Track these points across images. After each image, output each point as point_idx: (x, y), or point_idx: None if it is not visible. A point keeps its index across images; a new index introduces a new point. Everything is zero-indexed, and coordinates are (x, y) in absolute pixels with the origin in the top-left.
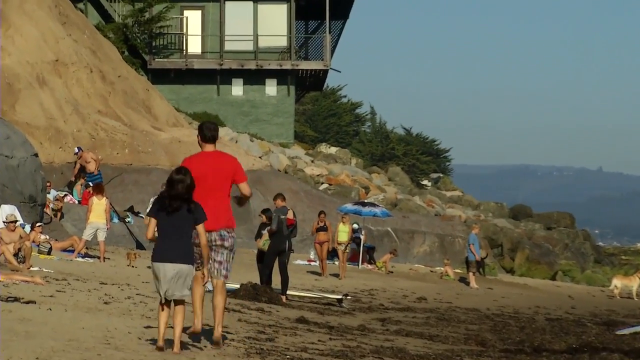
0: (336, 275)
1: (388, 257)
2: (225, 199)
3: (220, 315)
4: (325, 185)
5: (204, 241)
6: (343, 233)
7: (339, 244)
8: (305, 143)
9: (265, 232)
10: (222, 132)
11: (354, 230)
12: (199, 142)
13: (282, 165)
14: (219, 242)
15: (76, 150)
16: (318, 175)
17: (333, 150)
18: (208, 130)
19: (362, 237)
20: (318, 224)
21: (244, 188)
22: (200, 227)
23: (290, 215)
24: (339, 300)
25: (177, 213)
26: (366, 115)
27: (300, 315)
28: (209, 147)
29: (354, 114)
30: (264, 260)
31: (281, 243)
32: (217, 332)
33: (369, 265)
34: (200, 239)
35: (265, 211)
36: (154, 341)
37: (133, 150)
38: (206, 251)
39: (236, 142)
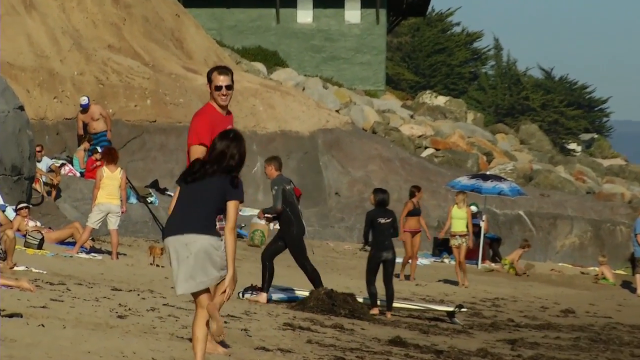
0: (452, 282)
1: (518, 253)
2: None
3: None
4: (429, 151)
5: (231, 224)
6: (459, 221)
7: (454, 235)
8: (402, 91)
9: (257, 221)
10: (284, 75)
11: (472, 215)
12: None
13: (369, 122)
14: None
15: (84, 101)
16: (420, 136)
17: (441, 100)
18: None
19: (482, 225)
20: (414, 205)
21: None
22: (231, 204)
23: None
24: (451, 314)
25: (202, 182)
26: (488, 51)
27: (395, 335)
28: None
29: (470, 49)
30: (295, 254)
31: (300, 224)
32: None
33: (492, 264)
34: (228, 220)
35: (378, 191)
36: None
37: (158, 101)
38: (232, 240)
39: (303, 89)
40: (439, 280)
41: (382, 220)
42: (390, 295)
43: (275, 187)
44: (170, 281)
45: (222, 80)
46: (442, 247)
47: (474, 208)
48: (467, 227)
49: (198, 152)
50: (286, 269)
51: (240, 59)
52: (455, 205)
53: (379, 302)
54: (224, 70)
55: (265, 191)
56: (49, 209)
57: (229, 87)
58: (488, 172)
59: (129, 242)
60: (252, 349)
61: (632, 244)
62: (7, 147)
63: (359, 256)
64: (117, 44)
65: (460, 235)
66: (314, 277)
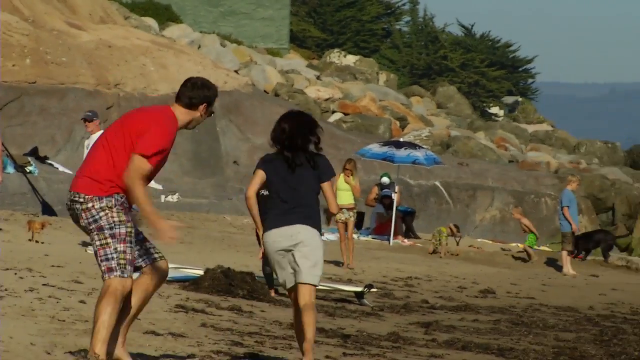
0: (337, 264)
1: (451, 230)
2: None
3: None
4: (337, 116)
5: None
6: (344, 192)
7: (340, 209)
8: (307, 49)
9: None
10: (178, 31)
11: (382, 186)
12: None
13: (271, 83)
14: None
15: None
16: (327, 99)
17: (351, 60)
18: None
19: (394, 197)
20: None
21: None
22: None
23: None
24: (359, 295)
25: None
26: (403, 5)
27: None
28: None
29: (383, 3)
30: None
31: None
32: None
33: (405, 240)
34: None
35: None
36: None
37: (38, 61)
38: None
39: (199, 47)
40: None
41: (265, 193)
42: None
43: None
44: (51, 257)
45: None
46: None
47: (385, 179)
48: (353, 199)
49: None
50: (179, 246)
51: (129, 14)
52: (342, 175)
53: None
54: None
55: None
56: None
57: None
58: (401, 139)
59: (6, 216)
60: (141, 334)
61: (558, 218)
62: None
63: None
64: None
65: (347, 209)
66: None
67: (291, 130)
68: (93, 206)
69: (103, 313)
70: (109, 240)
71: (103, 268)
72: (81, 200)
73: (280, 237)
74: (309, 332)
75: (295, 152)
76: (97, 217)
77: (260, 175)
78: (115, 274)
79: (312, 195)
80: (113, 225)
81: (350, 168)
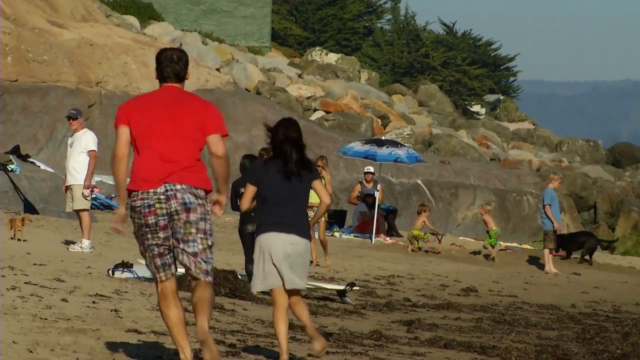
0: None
1: (423, 219)
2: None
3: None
4: (319, 114)
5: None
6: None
7: (311, 207)
8: (289, 47)
9: None
10: (159, 29)
11: (366, 172)
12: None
13: (253, 81)
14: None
15: None
16: (309, 97)
17: (332, 58)
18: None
19: (376, 195)
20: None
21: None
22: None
23: None
24: (341, 293)
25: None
26: (384, 3)
27: None
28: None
29: (365, 1)
30: None
31: None
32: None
33: (387, 239)
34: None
35: (242, 158)
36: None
37: (20, 59)
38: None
39: (180, 45)
40: None
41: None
42: None
43: None
44: (33, 255)
45: None
46: (331, 219)
47: (370, 167)
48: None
49: None
50: None
51: (110, 12)
52: None
53: None
54: None
55: None
56: None
57: None
58: (383, 137)
59: None
60: (123, 332)
61: (539, 216)
62: None
63: None
64: None
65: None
66: None
67: (287, 137)
68: (204, 204)
69: (210, 307)
70: (207, 245)
71: (204, 268)
72: (201, 194)
73: (278, 244)
74: (305, 317)
75: (291, 159)
76: (206, 216)
77: (252, 190)
78: (210, 278)
79: (305, 203)
80: (213, 231)
81: (322, 165)
